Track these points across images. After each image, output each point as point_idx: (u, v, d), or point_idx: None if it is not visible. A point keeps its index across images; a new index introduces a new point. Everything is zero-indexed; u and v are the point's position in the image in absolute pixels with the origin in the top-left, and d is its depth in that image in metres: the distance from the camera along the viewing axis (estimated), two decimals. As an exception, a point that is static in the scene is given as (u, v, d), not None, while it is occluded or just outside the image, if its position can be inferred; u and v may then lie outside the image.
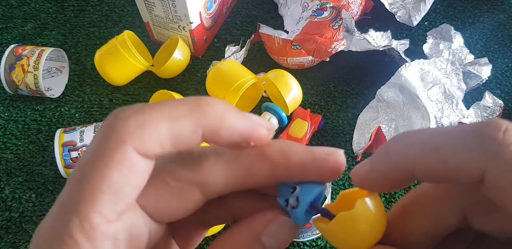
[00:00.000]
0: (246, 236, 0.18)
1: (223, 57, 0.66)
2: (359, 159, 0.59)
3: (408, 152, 0.16)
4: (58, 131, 0.56)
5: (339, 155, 0.19)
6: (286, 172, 0.18)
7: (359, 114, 0.61)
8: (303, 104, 0.65)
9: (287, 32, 0.69)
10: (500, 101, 0.61)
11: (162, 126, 0.16)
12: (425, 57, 0.64)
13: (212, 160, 0.18)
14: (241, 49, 0.66)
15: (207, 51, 0.72)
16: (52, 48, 0.64)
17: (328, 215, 0.18)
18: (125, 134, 0.16)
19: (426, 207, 0.18)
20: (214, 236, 0.54)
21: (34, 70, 0.61)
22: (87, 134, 0.55)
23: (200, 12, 0.64)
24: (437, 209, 0.18)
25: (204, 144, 0.17)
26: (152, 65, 0.68)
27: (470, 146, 0.15)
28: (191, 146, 0.17)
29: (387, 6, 0.70)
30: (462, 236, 0.19)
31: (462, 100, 0.60)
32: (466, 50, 0.65)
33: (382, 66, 0.69)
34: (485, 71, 0.63)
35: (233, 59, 0.65)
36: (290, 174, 0.18)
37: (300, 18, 0.69)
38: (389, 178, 0.17)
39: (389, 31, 0.65)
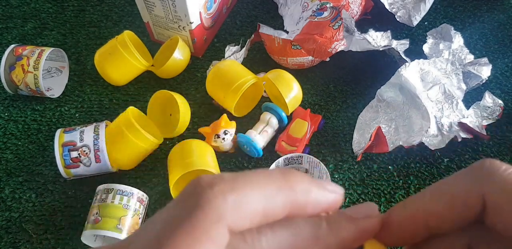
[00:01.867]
0: None
1: (223, 57, 0.66)
2: (359, 159, 0.59)
3: (419, 202, 0.18)
4: (58, 131, 0.56)
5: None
6: None
7: (359, 114, 0.61)
8: (303, 104, 0.65)
9: (287, 32, 0.69)
10: (500, 101, 0.61)
11: (257, 206, 0.17)
12: (425, 57, 0.64)
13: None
14: (241, 49, 0.66)
15: (207, 51, 0.72)
16: (52, 48, 0.64)
17: None
18: (224, 212, 0.16)
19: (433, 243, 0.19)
20: None
21: (34, 70, 0.61)
22: (87, 134, 0.55)
23: (200, 12, 0.64)
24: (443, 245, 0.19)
25: None
26: (152, 65, 0.68)
27: (468, 180, 0.18)
28: (275, 219, 0.17)
29: (387, 6, 0.70)
30: None
31: (462, 100, 0.60)
32: (466, 50, 0.65)
33: (382, 66, 0.69)
34: (485, 71, 0.63)
35: (233, 59, 0.65)
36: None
37: (300, 18, 0.69)
38: (407, 231, 0.19)
39: (389, 31, 0.65)
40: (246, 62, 0.69)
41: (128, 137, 0.55)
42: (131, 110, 0.57)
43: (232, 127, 0.58)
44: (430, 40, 0.66)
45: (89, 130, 0.56)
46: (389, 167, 0.60)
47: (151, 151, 0.59)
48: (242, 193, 0.16)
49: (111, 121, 0.59)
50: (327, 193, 0.18)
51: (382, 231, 0.19)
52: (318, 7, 0.66)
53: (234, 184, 0.17)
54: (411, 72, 0.60)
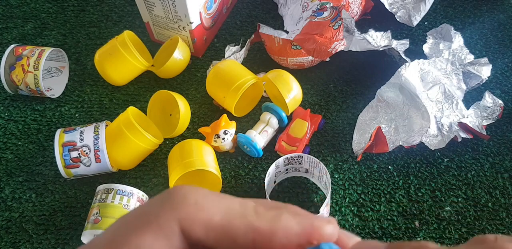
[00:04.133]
0: None
1: (223, 57, 0.66)
2: (359, 159, 0.59)
3: None
4: (58, 131, 0.56)
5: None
6: None
7: (359, 114, 0.61)
8: (303, 104, 0.65)
9: (287, 32, 0.69)
10: (500, 101, 0.61)
11: (216, 218, 0.16)
12: (425, 57, 0.64)
13: None
14: (241, 49, 0.66)
15: (207, 51, 0.72)
16: (52, 48, 0.64)
17: None
18: (179, 206, 0.16)
19: None
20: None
21: (34, 70, 0.61)
22: (87, 134, 0.55)
23: (200, 12, 0.64)
24: None
25: None
26: (152, 65, 0.68)
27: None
28: (237, 242, 0.16)
29: (387, 6, 0.70)
30: None
31: (462, 100, 0.60)
32: (466, 50, 0.65)
33: (382, 66, 0.69)
34: (485, 71, 0.63)
35: (233, 59, 0.65)
36: None
37: (300, 18, 0.69)
38: None
39: (389, 31, 0.65)
40: (246, 62, 0.69)
41: (128, 137, 0.55)
42: (131, 110, 0.57)
43: (232, 127, 0.58)
44: (430, 40, 0.66)
45: (89, 130, 0.56)
46: (389, 167, 0.60)
47: (151, 151, 0.59)
48: (206, 201, 0.16)
49: (111, 121, 0.59)
50: (304, 219, 0.16)
51: None
52: (318, 7, 0.66)
53: (204, 194, 0.16)
54: (411, 72, 0.60)
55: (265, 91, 0.65)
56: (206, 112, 0.65)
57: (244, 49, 0.66)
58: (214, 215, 0.16)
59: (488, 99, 0.61)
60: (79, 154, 0.54)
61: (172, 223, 0.16)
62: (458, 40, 0.65)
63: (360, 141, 0.60)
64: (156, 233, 0.15)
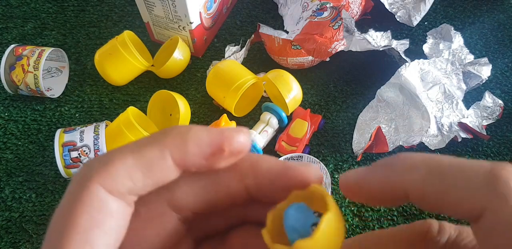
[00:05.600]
0: None
1: (223, 57, 0.66)
2: (359, 159, 0.59)
3: (411, 173, 0.16)
4: (58, 131, 0.56)
5: (310, 165, 0.18)
6: (255, 182, 0.17)
7: (359, 114, 0.61)
8: (303, 104, 0.65)
9: (287, 32, 0.69)
10: (500, 101, 0.61)
11: (127, 157, 0.15)
12: (425, 57, 0.64)
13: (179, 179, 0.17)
14: (241, 49, 0.66)
15: (207, 51, 0.72)
16: (52, 48, 0.64)
17: None
18: (91, 174, 0.15)
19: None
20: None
21: (34, 70, 0.61)
22: (87, 134, 0.55)
23: (200, 12, 0.64)
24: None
25: None
26: (152, 65, 0.68)
27: (479, 183, 0.15)
28: (165, 176, 0.16)
29: (387, 6, 0.70)
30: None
31: (462, 100, 0.60)
32: (466, 50, 0.65)
33: (382, 66, 0.69)
34: (485, 71, 0.63)
35: (233, 59, 0.65)
36: (260, 185, 0.17)
37: (300, 18, 0.69)
38: (382, 194, 0.16)
39: (389, 31, 0.65)
40: (246, 62, 0.69)
41: (128, 137, 0.55)
42: (131, 110, 0.57)
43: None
44: (430, 40, 0.66)
45: (89, 130, 0.56)
46: (389, 167, 0.60)
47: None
48: (109, 154, 0.15)
49: (111, 121, 0.59)
50: (213, 130, 0.16)
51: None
52: (318, 7, 0.66)
53: (104, 154, 0.16)
54: (411, 72, 0.60)
55: (265, 91, 0.65)
56: (206, 112, 0.65)
57: (244, 49, 0.66)
58: (130, 162, 0.15)
59: (488, 99, 0.61)
60: (79, 154, 0.54)
61: (95, 191, 0.15)
62: (458, 40, 0.65)
63: (360, 141, 0.60)
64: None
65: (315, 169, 0.17)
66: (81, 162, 0.55)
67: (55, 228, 0.15)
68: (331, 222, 0.16)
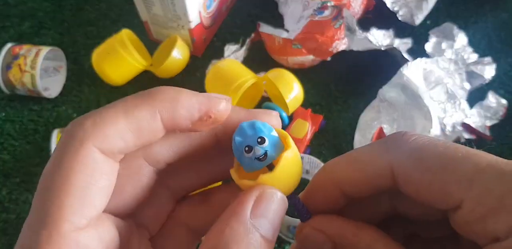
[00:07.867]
0: (237, 228, 0.16)
1: (223, 56, 0.66)
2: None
3: (335, 168, 0.18)
4: (55, 132, 0.56)
5: (271, 112, 0.20)
6: (224, 132, 0.19)
7: (360, 114, 0.61)
8: (304, 104, 0.64)
9: (288, 31, 0.68)
10: (504, 101, 0.61)
11: (119, 119, 0.16)
12: (427, 56, 0.64)
13: None
14: (241, 48, 0.66)
15: (206, 51, 0.71)
16: (49, 48, 0.63)
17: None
18: (84, 134, 0.16)
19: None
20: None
21: (31, 70, 0.61)
22: (84, 135, 0.55)
23: (199, 11, 0.63)
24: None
25: None
26: (151, 65, 0.67)
27: (378, 149, 0.18)
28: (155, 135, 0.17)
29: (389, 5, 0.70)
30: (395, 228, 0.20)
31: (465, 100, 0.60)
32: (469, 49, 0.64)
33: (384, 65, 0.68)
34: (488, 70, 0.62)
35: (233, 58, 0.64)
36: (229, 133, 0.19)
37: (300, 17, 0.68)
38: (326, 196, 0.19)
39: (391, 30, 0.65)
40: (246, 62, 0.68)
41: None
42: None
43: (231, 128, 0.57)
44: (432, 39, 0.65)
45: (86, 131, 0.55)
46: (391, 168, 0.59)
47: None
48: (101, 114, 0.16)
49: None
50: (201, 96, 0.18)
51: (305, 193, 0.19)
52: (319, 5, 0.65)
53: (96, 111, 0.17)
54: (413, 71, 0.59)
55: (265, 91, 0.65)
56: (206, 112, 0.64)
57: (244, 48, 0.66)
58: (120, 122, 0.17)
59: (492, 99, 0.61)
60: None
61: (89, 153, 0.16)
62: (461, 39, 0.65)
63: (361, 141, 0.59)
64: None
65: (276, 116, 0.19)
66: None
67: (51, 184, 0.15)
68: (290, 158, 0.17)
